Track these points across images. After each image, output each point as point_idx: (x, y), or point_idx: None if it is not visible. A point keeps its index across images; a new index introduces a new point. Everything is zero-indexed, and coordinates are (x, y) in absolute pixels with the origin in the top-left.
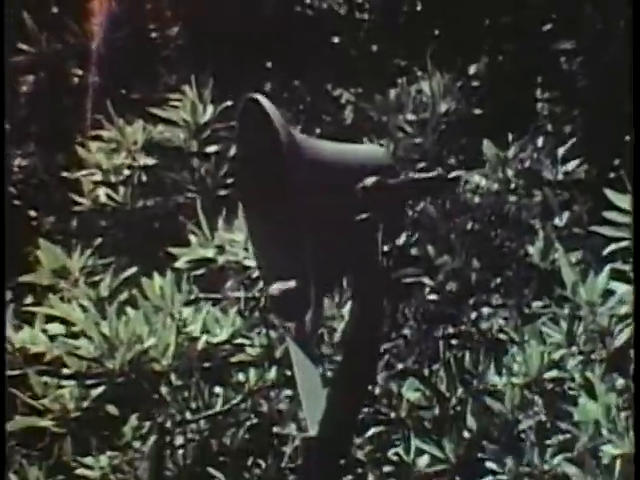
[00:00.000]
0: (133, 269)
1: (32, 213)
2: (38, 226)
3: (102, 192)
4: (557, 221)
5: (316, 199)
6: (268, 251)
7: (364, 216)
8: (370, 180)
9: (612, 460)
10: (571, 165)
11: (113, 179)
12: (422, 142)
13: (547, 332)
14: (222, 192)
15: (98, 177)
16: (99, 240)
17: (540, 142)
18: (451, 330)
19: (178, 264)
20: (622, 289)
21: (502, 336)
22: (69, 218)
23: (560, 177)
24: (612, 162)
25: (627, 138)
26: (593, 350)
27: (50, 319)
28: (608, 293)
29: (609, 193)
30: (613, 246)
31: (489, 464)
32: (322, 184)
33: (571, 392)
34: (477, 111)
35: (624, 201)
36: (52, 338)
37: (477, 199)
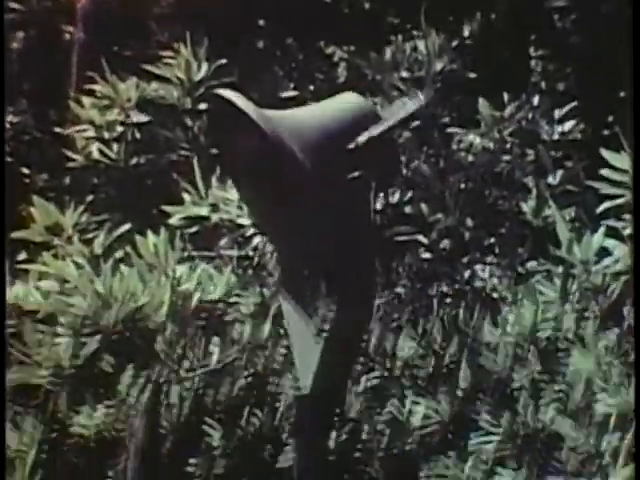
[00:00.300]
0: (127, 227)
1: (25, 170)
2: (31, 183)
3: (95, 149)
4: (551, 179)
5: (307, 170)
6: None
7: (356, 174)
8: (361, 138)
9: (605, 415)
10: (566, 124)
11: (106, 136)
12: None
13: (541, 290)
14: (216, 150)
15: (91, 133)
16: (92, 197)
17: (535, 101)
18: (445, 288)
19: (172, 222)
20: (616, 247)
21: (496, 294)
22: (62, 175)
23: (555, 136)
24: (606, 119)
25: (622, 94)
26: (587, 307)
27: (44, 276)
28: (602, 251)
29: (604, 152)
30: (608, 204)
31: (483, 420)
32: (310, 151)
33: (564, 348)
34: (472, 71)
35: (619, 159)
36: (46, 295)
37: (471, 158)
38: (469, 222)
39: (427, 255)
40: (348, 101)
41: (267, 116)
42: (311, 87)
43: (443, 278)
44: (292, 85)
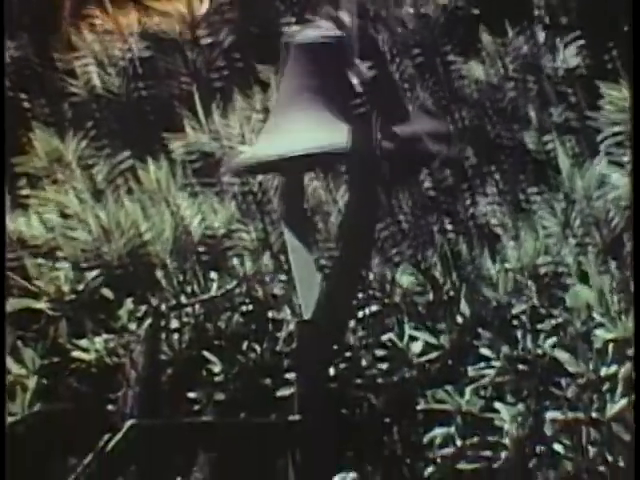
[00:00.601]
0: (128, 157)
1: (25, 100)
2: (32, 113)
3: (97, 80)
4: (553, 110)
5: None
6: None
7: (362, 110)
8: (366, 72)
9: (604, 344)
10: (569, 57)
11: (108, 68)
12: (420, 32)
13: (542, 220)
14: (217, 83)
15: (93, 66)
16: (93, 128)
17: (538, 33)
18: (446, 218)
19: (174, 152)
20: (617, 176)
21: (496, 225)
22: (63, 106)
23: (558, 67)
24: (610, 53)
25: (625, 29)
26: (587, 235)
27: (45, 205)
28: (604, 180)
29: (603, 84)
30: (608, 133)
31: (482, 350)
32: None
33: (564, 277)
34: (476, 7)
35: (619, 91)
36: (47, 224)
37: (474, 90)
38: (470, 153)
39: (428, 185)
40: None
41: None
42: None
43: (444, 208)
44: (294, 20)
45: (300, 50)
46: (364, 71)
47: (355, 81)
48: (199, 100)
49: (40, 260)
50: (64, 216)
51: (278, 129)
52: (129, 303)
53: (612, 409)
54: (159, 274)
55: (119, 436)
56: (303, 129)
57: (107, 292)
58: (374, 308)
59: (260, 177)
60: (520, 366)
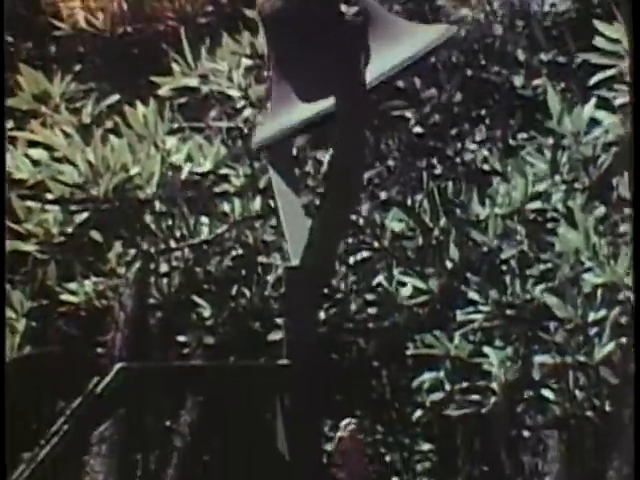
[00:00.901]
0: (115, 96)
1: (10, 39)
2: (17, 52)
3: (83, 21)
4: (543, 52)
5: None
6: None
7: (350, 46)
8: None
9: (593, 289)
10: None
11: (92, 4)
12: None
13: (531, 162)
14: (203, 20)
15: (77, 2)
16: (79, 66)
17: None
18: (435, 161)
19: (161, 92)
20: (607, 118)
21: (486, 167)
22: (48, 44)
23: (546, 9)
24: None
25: None
26: (576, 179)
27: (33, 145)
28: (593, 122)
29: (597, 23)
30: (600, 75)
31: (471, 294)
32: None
33: (553, 222)
34: None
35: (612, 30)
36: (35, 163)
37: (463, 31)
38: (459, 96)
39: (418, 129)
40: None
41: None
42: None
43: (433, 151)
44: None
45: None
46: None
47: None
48: (187, 42)
49: (29, 202)
50: (52, 157)
51: (284, 99)
52: (118, 246)
53: (600, 353)
54: (148, 218)
55: (108, 379)
56: (307, 97)
57: (96, 235)
58: (363, 253)
59: (247, 114)
60: (509, 311)
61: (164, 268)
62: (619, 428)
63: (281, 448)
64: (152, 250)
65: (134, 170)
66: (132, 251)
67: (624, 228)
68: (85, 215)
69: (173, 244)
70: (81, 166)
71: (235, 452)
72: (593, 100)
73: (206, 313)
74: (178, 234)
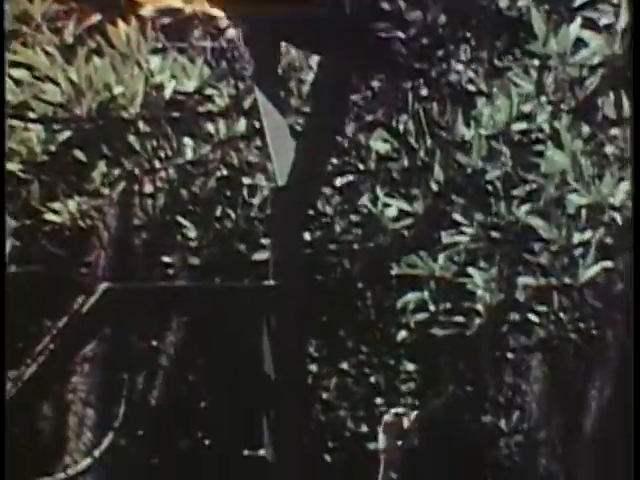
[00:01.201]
0: (97, 16)
1: None
2: None
3: None
4: None
5: None
6: None
7: None
8: None
9: (577, 210)
10: None
11: None
12: None
13: (517, 83)
14: None
15: None
16: None
17: None
18: (420, 81)
19: (144, 12)
20: (593, 39)
21: (471, 88)
22: None
23: None
24: None
25: None
26: (562, 99)
27: (15, 65)
28: (579, 43)
29: None
30: None
31: (456, 216)
32: None
33: (538, 143)
34: None
35: None
36: (17, 83)
37: None
38: (444, 17)
39: (403, 50)
40: None
41: None
42: None
43: (418, 72)
44: None
45: None
46: None
47: None
48: None
49: (12, 121)
50: (34, 76)
51: None
52: (102, 166)
53: (584, 275)
54: (132, 138)
55: (93, 299)
56: None
57: (79, 154)
58: (348, 175)
59: (231, 35)
60: (493, 232)
61: (149, 189)
62: (602, 349)
63: (266, 368)
64: (136, 171)
65: (117, 90)
66: (116, 171)
67: (609, 149)
68: (68, 134)
69: (157, 164)
70: (63, 85)
71: (221, 372)
72: (578, 20)
73: (191, 234)
74: (162, 154)
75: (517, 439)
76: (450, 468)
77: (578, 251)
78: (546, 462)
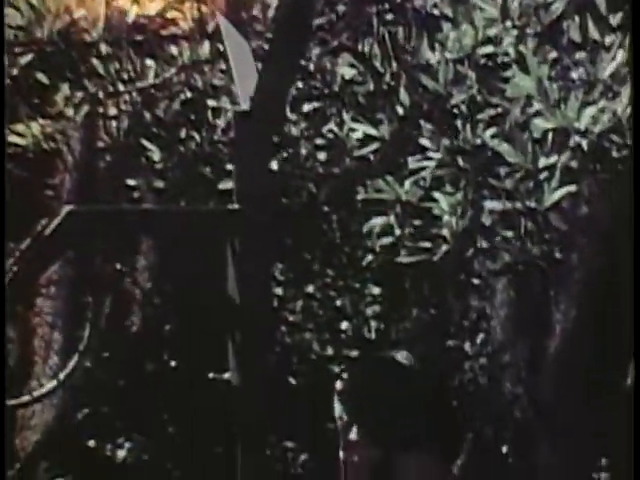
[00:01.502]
0: None
1: None
2: None
3: None
4: None
5: None
6: None
7: None
8: None
9: (543, 134)
10: None
11: None
12: None
13: (482, 7)
14: None
15: None
16: None
17: None
18: (386, 5)
19: None
20: None
21: (436, 12)
22: None
23: None
24: None
25: None
26: (527, 24)
27: None
28: None
29: None
30: None
31: (422, 141)
32: None
33: (504, 67)
34: None
35: None
36: None
37: None
38: None
39: None
40: None
41: None
42: None
43: None
44: None
45: None
46: None
47: None
48: None
49: None
50: None
51: None
52: (65, 89)
53: (550, 199)
54: (95, 61)
55: (57, 221)
56: None
57: (42, 77)
58: (314, 99)
59: None
60: (460, 157)
61: (112, 111)
62: (567, 273)
63: (231, 291)
64: (100, 94)
65: (79, 13)
66: (79, 94)
67: (575, 73)
68: (30, 57)
69: (121, 87)
70: (24, 9)
71: (186, 295)
72: None
73: (155, 157)
74: (126, 77)
75: (482, 362)
76: (413, 393)
77: (543, 175)
78: (510, 385)
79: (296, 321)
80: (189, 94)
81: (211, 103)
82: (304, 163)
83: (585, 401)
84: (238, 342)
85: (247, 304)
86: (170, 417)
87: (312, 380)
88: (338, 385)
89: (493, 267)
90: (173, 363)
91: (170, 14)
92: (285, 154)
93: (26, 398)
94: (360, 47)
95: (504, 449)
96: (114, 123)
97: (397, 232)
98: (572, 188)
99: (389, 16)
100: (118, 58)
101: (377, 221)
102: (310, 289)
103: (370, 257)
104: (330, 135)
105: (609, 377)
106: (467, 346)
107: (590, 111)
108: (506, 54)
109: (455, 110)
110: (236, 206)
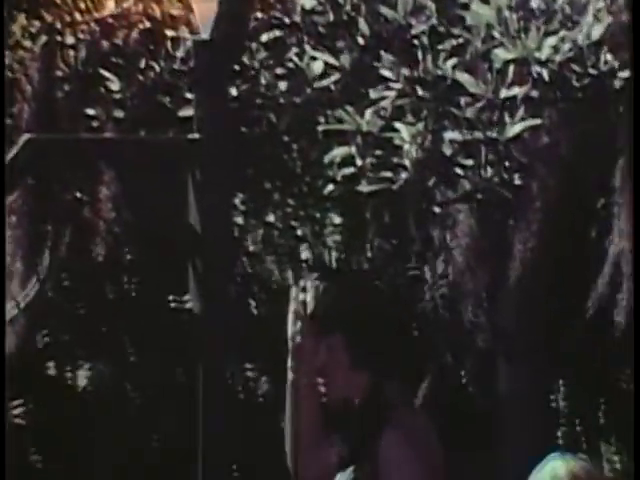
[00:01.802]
0: None
1: None
2: None
3: None
4: None
5: None
6: None
7: None
8: None
9: (504, 64)
10: None
11: None
12: None
13: None
14: None
15: None
16: None
17: None
18: None
19: None
20: None
21: None
22: None
23: None
24: None
25: None
26: None
27: None
28: None
29: None
30: None
31: (383, 71)
32: None
33: None
34: None
35: None
36: None
37: None
38: None
39: None
40: None
41: None
42: None
43: None
44: None
45: None
46: None
47: None
48: None
49: None
50: None
51: None
52: (22, 19)
53: (511, 130)
54: None
55: (15, 150)
56: None
57: None
58: (274, 29)
59: None
60: (420, 87)
61: (70, 41)
62: (527, 201)
63: (192, 220)
64: (58, 24)
65: None
66: (37, 23)
67: (535, 3)
68: None
69: (79, 17)
70: None
71: (146, 224)
72: None
73: (114, 87)
74: (83, 6)
75: (442, 291)
76: (373, 322)
77: (504, 106)
78: (471, 313)
79: (257, 250)
80: (148, 24)
81: (170, 33)
82: (264, 92)
83: (544, 327)
84: (199, 271)
85: (208, 233)
86: (131, 344)
87: (273, 309)
88: (291, 306)
89: (453, 196)
90: (134, 293)
91: None
92: (245, 84)
93: None
94: None
95: (464, 378)
96: (72, 52)
97: (358, 162)
98: (536, 121)
99: None
100: None
101: (338, 151)
102: (271, 218)
103: (331, 187)
104: (290, 65)
105: (568, 303)
106: (428, 275)
107: (551, 41)
108: None
109: (415, 41)
110: (196, 135)
